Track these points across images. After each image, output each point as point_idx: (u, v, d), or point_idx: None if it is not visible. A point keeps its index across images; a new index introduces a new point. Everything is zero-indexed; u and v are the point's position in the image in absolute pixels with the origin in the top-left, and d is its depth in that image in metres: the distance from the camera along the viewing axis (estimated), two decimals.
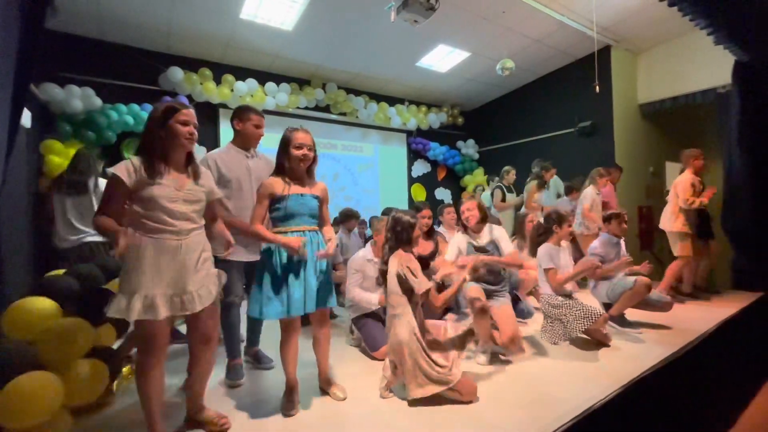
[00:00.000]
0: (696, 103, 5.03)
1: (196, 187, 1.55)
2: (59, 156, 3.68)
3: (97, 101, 4.06)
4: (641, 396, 2.03)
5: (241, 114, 2.24)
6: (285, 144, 1.80)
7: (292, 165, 1.80)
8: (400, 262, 1.94)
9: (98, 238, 2.73)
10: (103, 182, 2.91)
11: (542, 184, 4.77)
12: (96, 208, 2.70)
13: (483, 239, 2.53)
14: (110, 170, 1.41)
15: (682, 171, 3.78)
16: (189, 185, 1.52)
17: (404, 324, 1.89)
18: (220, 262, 2.08)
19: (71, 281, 1.91)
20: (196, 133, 1.54)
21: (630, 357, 2.36)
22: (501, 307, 2.42)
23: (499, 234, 2.54)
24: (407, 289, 1.92)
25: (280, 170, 1.83)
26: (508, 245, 2.50)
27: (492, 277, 2.50)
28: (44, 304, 1.73)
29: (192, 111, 1.54)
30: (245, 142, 2.24)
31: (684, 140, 6.39)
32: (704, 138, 6.54)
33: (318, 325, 1.90)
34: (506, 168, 5.12)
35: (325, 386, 1.95)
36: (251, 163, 2.24)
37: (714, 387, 2.74)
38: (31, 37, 1.56)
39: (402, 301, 1.92)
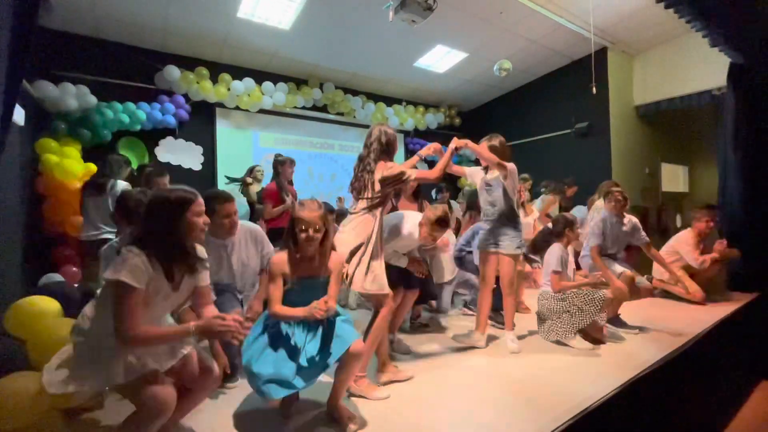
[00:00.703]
0: (692, 104, 5.07)
1: (189, 284, 1.40)
2: (55, 154, 3.65)
3: (93, 99, 4.02)
4: (638, 396, 2.04)
5: (207, 206, 2.04)
6: (290, 225, 1.63)
7: (300, 247, 1.62)
8: (385, 167, 2.04)
9: (114, 236, 2.77)
10: (121, 184, 3.00)
11: (563, 200, 4.78)
12: (111, 208, 2.79)
13: (492, 174, 2.73)
14: (120, 278, 1.17)
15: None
16: (184, 281, 1.37)
17: (358, 227, 1.97)
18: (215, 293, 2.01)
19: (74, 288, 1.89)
20: (208, 221, 1.41)
21: (626, 357, 2.36)
22: (503, 257, 2.56)
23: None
24: (385, 196, 2.03)
25: (287, 247, 1.64)
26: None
27: (489, 206, 2.63)
28: (48, 304, 1.71)
29: (201, 199, 1.40)
30: (221, 233, 2.08)
31: (680, 142, 6.44)
32: (700, 139, 6.59)
33: (352, 357, 1.61)
34: (523, 176, 5.11)
35: (333, 411, 1.66)
36: (234, 257, 2.13)
37: (709, 387, 2.76)
38: (23, 32, 1.53)
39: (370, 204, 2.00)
